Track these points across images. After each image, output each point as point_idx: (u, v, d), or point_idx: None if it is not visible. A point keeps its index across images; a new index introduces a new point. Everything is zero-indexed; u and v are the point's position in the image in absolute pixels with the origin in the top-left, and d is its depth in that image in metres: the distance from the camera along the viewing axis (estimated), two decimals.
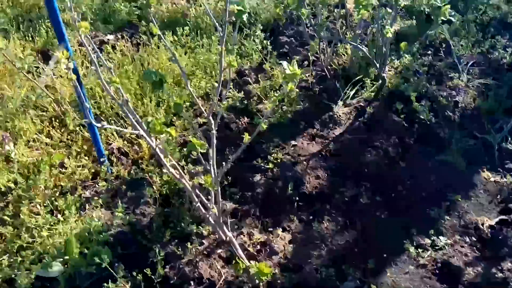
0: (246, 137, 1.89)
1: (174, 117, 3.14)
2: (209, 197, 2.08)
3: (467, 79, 3.46)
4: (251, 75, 3.53)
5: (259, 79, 3.49)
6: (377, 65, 3.09)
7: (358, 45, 2.98)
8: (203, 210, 2.10)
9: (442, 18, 2.91)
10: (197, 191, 2.04)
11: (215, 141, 1.98)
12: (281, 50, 3.83)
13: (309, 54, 3.61)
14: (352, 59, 3.51)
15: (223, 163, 2.08)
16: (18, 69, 2.89)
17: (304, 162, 2.84)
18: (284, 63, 1.63)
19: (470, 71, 3.55)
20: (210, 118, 1.97)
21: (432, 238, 2.41)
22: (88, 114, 1.79)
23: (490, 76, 3.49)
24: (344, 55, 3.67)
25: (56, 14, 2.15)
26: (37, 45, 3.77)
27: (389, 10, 2.99)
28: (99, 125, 1.80)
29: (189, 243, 2.30)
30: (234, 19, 1.92)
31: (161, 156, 1.85)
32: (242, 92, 3.32)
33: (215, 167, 2.01)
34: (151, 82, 1.86)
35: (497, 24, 4.08)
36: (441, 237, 2.41)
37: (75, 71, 2.32)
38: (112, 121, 3.04)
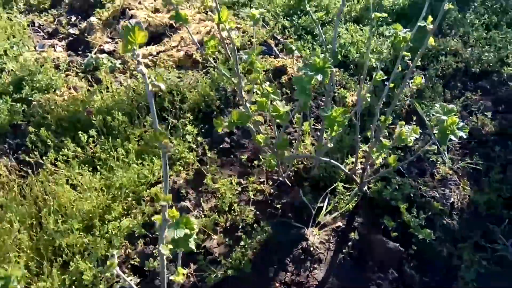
0: None
1: None
2: None
3: (451, 161, 2.86)
4: (188, 195, 2.67)
5: (200, 200, 2.64)
6: (356, 179, 2.37)
7: (332, 161, 2.23)
8: None
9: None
10: None
11: None
12: (221, 146, 2.99)
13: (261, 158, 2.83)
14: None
15: None
16: None
17: None
18: None
19: (450, 147, 2.97)
20: None
21: None
22: None
23: (475, 152, 2.91)
24: (305, 151, 2.90)
25: None
26: None
27: None
28: None
29: None
30: None
31: None
32: None
33: None
34: None
35: (462, 76, 3.55)
36: None
37: None
38: None
